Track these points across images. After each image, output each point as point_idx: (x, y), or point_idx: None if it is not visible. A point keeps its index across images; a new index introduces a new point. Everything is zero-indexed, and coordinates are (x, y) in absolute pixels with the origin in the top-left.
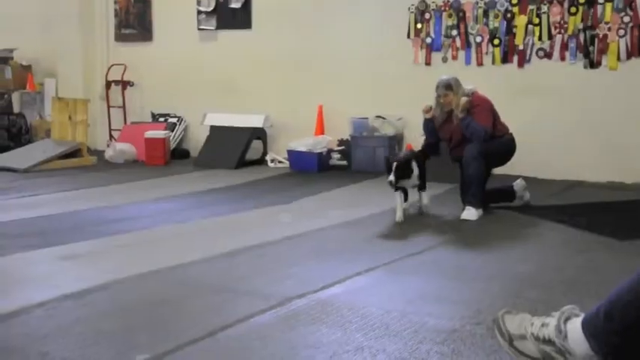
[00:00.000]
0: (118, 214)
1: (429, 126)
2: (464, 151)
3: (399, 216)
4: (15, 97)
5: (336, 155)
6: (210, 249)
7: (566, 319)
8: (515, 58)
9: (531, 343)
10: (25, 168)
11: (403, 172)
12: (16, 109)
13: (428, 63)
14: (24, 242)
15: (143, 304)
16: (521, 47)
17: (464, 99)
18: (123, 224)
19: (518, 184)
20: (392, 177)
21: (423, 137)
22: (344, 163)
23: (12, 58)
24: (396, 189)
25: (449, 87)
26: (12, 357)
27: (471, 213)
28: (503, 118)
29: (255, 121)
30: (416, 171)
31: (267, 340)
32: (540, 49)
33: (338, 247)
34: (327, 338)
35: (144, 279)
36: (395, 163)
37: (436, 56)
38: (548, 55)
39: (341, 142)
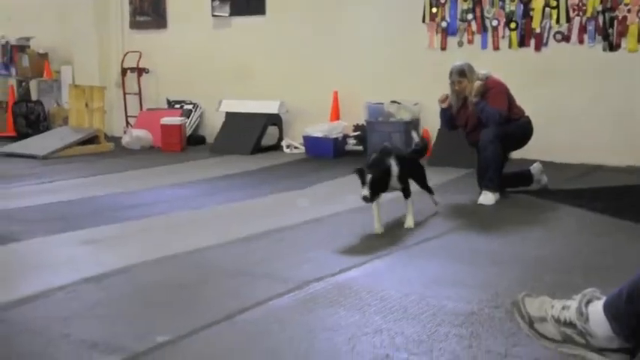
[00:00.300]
0: (135, 199)
1: (446, 115)
2: (480, 135)
3: (377, 227)
4: (32, 85)
5: (351, 141)
6: (226, 234)
7: (588, 302)
8: (533, 42)
9: (552, 325)
10: (44, 155)
11: (380, 185)
12: (33, 96)
13: (443, 47)
14: (44, 227)
15: (162, 288)
16: (538, 30)
17: (477, 83)
18: (140, 210)
19: (535, 168)
20: (366, 191)
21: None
22: (360, 148)
23: (29, 47)
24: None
25: (462, 73)
26: (35, 338)
27: (487, 197)
28: (520, 102)
29: (270, 107)
30: (395, 171)
31: (285, 324)
32: (558, 32)
33: (355, 232)
34: (345, 321)
35: (161, 263)
36: (370, 176)
37: (452, 41)
38: (566, 39)
39: (357, 128)
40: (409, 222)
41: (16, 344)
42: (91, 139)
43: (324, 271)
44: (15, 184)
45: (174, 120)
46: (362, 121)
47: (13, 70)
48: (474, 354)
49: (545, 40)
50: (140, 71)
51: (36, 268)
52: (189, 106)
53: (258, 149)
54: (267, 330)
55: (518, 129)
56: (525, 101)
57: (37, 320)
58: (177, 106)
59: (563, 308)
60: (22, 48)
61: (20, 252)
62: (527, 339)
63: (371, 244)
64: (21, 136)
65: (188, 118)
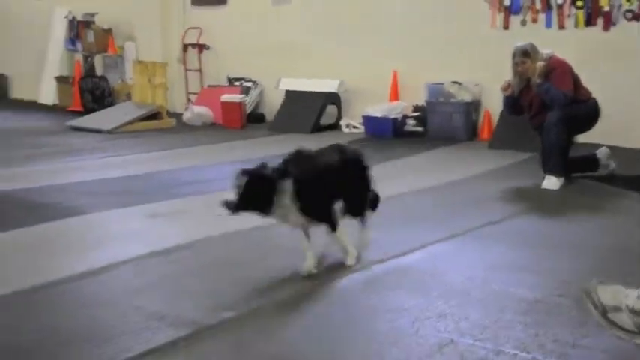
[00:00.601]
0: (199, 175)
1: (509, 101)
2: (546, 117)
3: (307, 265)
4: (97, 61)
5: (411, 121)
6: None
7: None
8: (600, 21)
9: (626, 315)
10: (109, 129)
11: (255, 196)
12: (98, 71)
13: (506, 27)
14: (112, 200)
15: (226, 264)
16: (606, 9)
17: (540, 63)
18: (203, 185)
19: (602, 152)
20: (234, 197)
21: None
22: (419, 129)
23: (94, 22)
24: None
25: (526, 54)
26: (106, 309)
27: (551, 182)
28: (587, 84)
29: (329, 85)
30: (287, 196)
31: (348, 304)
32: (628, 10)
33: (418, 214)
34: (408, 303)
35: (225, 239)
36: (246, 179)
37: (515, 19)
38: (637, 17)
39: (416, 108)
40: (351, 257)
41: (85, 316)
42: (154, 115)
43: (388, 253)
44: (82, 157)
45: (235, 97)
46: (422, 102)
47: (79, 46)
48: (541, 342)
49: (614, 19)
50: (200, 48)
51: (103, 240)
52: (249, 84)
53: (318, 128)
54: (331, 310)
55: (585, 111)
56: (592, 83)
57: (109, 291)
58: (237, 83)
59: (639, 297)
60: (87, 24)
61: (87, 225)
62: (597, 329)
63: (433, 227)
64: (87, 110)
65: (247, 95)
